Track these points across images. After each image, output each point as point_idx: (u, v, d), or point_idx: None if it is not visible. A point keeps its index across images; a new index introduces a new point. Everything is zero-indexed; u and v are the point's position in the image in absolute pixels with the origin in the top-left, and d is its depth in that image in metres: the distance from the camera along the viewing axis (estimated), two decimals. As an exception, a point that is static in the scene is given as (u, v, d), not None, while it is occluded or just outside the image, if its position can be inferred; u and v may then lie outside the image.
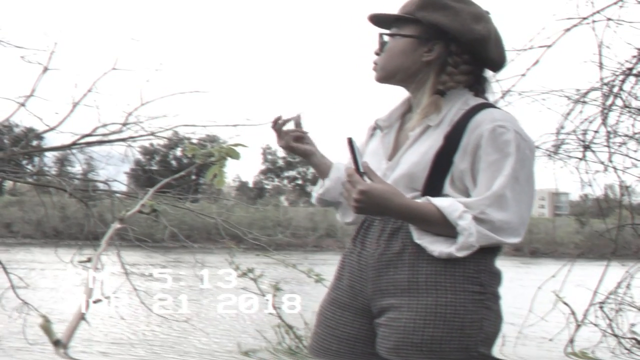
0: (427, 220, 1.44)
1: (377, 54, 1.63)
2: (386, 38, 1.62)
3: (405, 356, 1.43)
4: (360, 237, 1.59)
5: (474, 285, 1.44)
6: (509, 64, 1.65)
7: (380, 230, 1.54)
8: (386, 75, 1.61)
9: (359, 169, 1.44)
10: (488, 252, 1.47)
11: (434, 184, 1.48)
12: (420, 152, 1.50)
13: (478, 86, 1.59)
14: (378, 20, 1.63)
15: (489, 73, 1.63)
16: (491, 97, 1.62)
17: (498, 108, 1.54)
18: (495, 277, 1.50)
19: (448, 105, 1.53)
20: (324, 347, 1.61)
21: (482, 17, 1.55)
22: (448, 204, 1.44)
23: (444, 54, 1.55)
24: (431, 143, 1.50)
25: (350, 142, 1.45)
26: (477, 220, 1.42)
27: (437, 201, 1.44)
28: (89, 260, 0.90)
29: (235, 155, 1.23)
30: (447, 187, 1.48)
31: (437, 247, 1.45)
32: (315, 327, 1.66)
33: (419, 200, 1.47)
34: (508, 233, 1.44)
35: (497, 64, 1.60)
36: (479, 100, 1.54)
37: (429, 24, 1.55)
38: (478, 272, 1.45)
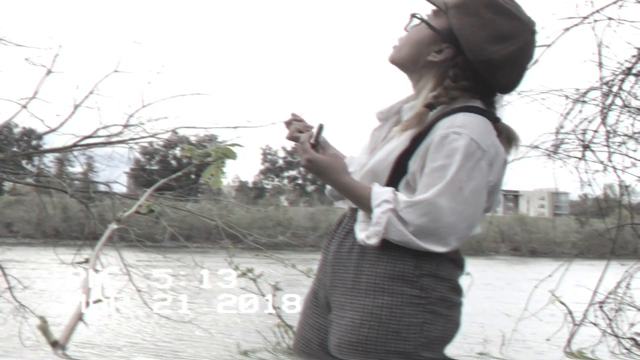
0: (359, 202, 1.48)
1: (405, 30, 1.58)
2: (415, 21, 1.56)
3: (345, 354, 1.44)
4: (332, 232, 1.61)
5: (412, 289, 1.42)
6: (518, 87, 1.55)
7: (343, 227, 1.56)
8: (398, 59, 1.57)
9: (317, 141, 1.52)
10: (434, 256, 1.43)
11: (392, 184, 1.47)
12: (387, 151, 1.50)
13: (486, 102, 1.52)
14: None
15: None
16: (499, 107, 1.56)
17: (476, 113, 1.46)
18: (445, 281, 1.46)
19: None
20: (300, 335, 1.64)
21: (507, 38, 1.45)
22: (379, 191, 1.44)
23: (449, 62, 1.49)
24: (398, 143, 1.48)
25: (320, 125, 1.53)
26: (397, 216, 1.39)
27: (375, 186, 1.45)
28: (87, 260, 0.90)
29: (232, 155, 1.23)
30: (402, 189, 1.46)
31: (360, 234, 1.47)
32: (299, 316, 1.68)
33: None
34: (430, 240, 1.38)
35: (504, 89, 1.53)
36: (466, 103, 1.48)
37: (450, 24, 1.48)
38: (419, 276, 1.43)
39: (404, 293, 1.42)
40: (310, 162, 1.50)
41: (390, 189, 1.44)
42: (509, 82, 1.52)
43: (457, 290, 1.50)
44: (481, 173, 1.40)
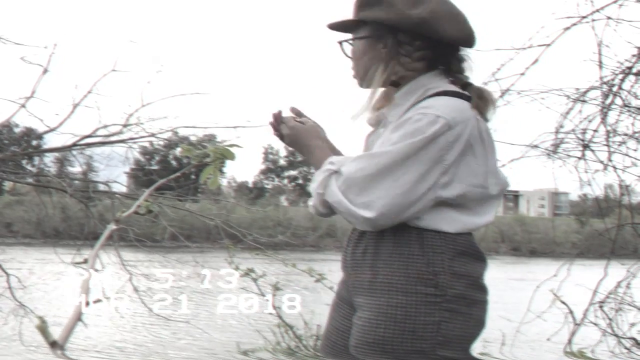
0: (317, 168, 1.53)
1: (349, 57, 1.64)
2: (345, 45, 1.64)
3: (362, 354, 1.45)
4: (349, 235, 1.61)
5: (427, 287, 1.40)
6: (477, 38, 1.57)
7: (356, 229, 1.56)
8: (361, 80, 1.61)
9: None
10: (447, 252, 1.43)
11: None
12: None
13: (450, 67, 1.55)
14: (339, 28, 1.65)
15: (466, 50, 1.58)
16: (470, 75, 1.57)
17: (455, 97, 1.47)
18: (462, 278, 1.44)
19: (408, 97, 1.52)
20: (326, 337, 1.65)
21: (418, 2, 1.52)
22: (333, 157, 1.50)
23: (396, 46, 1.54)
24: (383, 139, 1.49)
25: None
26: (335, 176, 1.45)
27: (334, 154, 1.54)
28: (86, 261, 0.90)
29: (231, 156, 1.23)
30: None
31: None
32: (327, 319, 1.69)
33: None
34: (355, 193, 1.41)
35: (460, 40, 1.54)
36: (440, 88, 1.50)
37: (371, 20, 1.56)
38: (434, 273, 1.41)
39: (419, 292, 1.41)
40: (293, 129, 1.58)
41: (346, 156, 1.51)
42: (459, 33, 1.53)
43: (479, 287, 1.48)
44: (439, 150, 1.39)
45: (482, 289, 1.49)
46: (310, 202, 1.52)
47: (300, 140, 1.59)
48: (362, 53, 1.59)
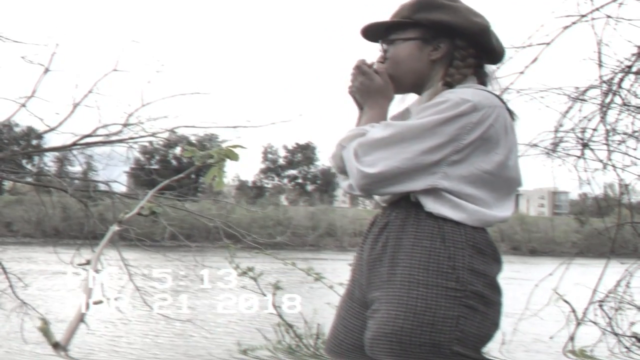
0: (364, 124, 1.57)
1: (381, 62, 1.63)
2: (387, 46, 1.62)
3: (377, 346, 1.43)
4: (366, 232, 1.61)
5: (448, 281, 1.40)
6: (507, 57, 1.69)
7: (376, 225, 1.56)
8: (397, 83, 1.61)
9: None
10: (467, 249, 1.44)
11: None
12: None
13: (483, 78, 1.62)
14: (371, 31, 1.64)
15: (490, 68, 1.65)
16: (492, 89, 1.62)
17: (488, 91, 1.54)
18: (481, 276, 1.44)
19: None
20: (333, 336, 1.64)
21: (476, 10, 1.59)
22: (371, 124, 1.54)
23: (450, 50, 1.57)
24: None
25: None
26: (363, 135, 1.49)
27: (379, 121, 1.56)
28: (88, 262, 0.90)
29: (234, 157, 1.23)
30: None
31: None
32: (333, 319, 1.68)
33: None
34: (363, 152, 1.45)
35: (499, 54, 1.64)
36: (477, 86, 1.56)
37: (432, 23, 1.56)
38: (454, 268, 1.41)
39: (439, 285, 1.40)
40: (373, 81, 1.58)
41: (384, 124, 1.53)
42: (501, 47, 1.63)
43: (495, 288, 1.48)
44: (456, 124, 1.43)
45: (498, 290, 1.49)
46: (332, 153, 1.57)
47: (372, 93, 1.59)
48: (407, 55, 1.59)
